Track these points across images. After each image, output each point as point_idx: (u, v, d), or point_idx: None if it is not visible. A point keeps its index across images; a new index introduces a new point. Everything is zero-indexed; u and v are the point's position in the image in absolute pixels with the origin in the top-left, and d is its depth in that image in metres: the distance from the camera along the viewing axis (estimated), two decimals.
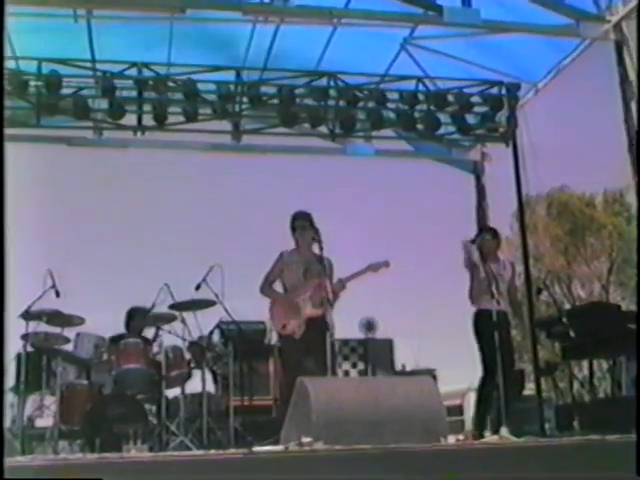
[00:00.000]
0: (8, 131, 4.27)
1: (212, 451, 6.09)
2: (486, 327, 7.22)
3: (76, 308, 7.96)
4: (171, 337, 7.97)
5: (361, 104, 9.35)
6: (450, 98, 9.33)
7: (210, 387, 8.38)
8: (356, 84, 9.32)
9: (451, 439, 6.19)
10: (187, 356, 7.92)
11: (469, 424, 8.86)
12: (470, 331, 7.74)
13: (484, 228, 9.08)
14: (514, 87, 9.41)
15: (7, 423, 7.27)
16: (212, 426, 7.64)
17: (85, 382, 7.69)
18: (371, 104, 9.32)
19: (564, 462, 4.12)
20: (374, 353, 10.28)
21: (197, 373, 7.99)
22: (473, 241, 7.88)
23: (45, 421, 7.67)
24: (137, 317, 8.27)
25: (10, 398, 7.53)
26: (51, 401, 7.61)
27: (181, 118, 8.79)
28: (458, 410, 10.75)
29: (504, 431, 6.53)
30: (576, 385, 9.22)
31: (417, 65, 9.85)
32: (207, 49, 9.41)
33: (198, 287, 7.80)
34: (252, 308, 8.35)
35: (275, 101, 9.09)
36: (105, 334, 8.04)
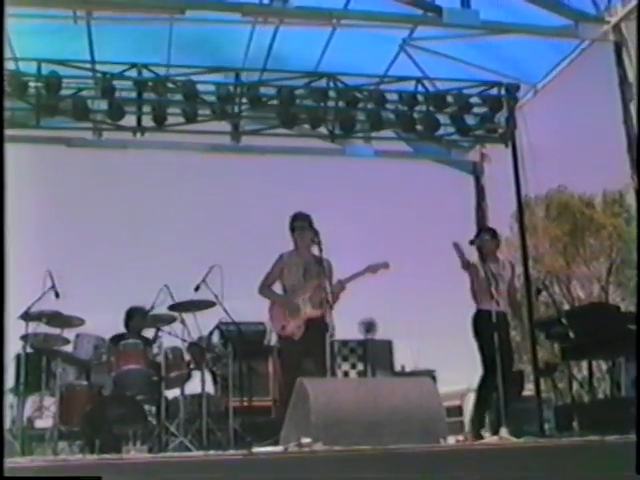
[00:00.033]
0: (8, 132, 4.26)
1: (212, 452, 6.11)
2: (485, 328, 7.23)
3: (76, 309, 7.97)
4: (171, 338, 7.98)
5: (360, 105, 9.34)
6: (449, 99, 9.34)
7: (210, 388, 8.40)
8: (355, 85, 9.32)
9: (450, 440, 6.19)
10: (187, 357, 7.92)
11: (469, 425, 8.85)
12: (469, 332, 7.75)
13: (483, 229, 9.08)
14: (513, 88, 9.41)
15: (7, 424, 7.26)
16: (212, 427, 7.63)
17: (85, 383, 7.69)
18: (370, 105, 9.32)
19: (563, 463, 4.12)
20: (373, 354, 10.28)
21: (197, 374, 7.99)
22: (472, 242, 7.89)
23: (45, 422, 7.68)
24: (136, 317, 8.27)
25: (10, 399, 7.53)
26: (51, 402, 7.61)
27: (180, 119, 8.80)
28: (457, 411, 10.72)
29: (504, 432, 6.54)
30: (575, 386, 9.22)
31: (416, 66, 9.86)
32: (206, 50, 9.43)
33: (197, 288, 7.80)
34: (252, 309, 8.36)
35: (274, 102, 9.09)
36: (105, 335, 8.03)
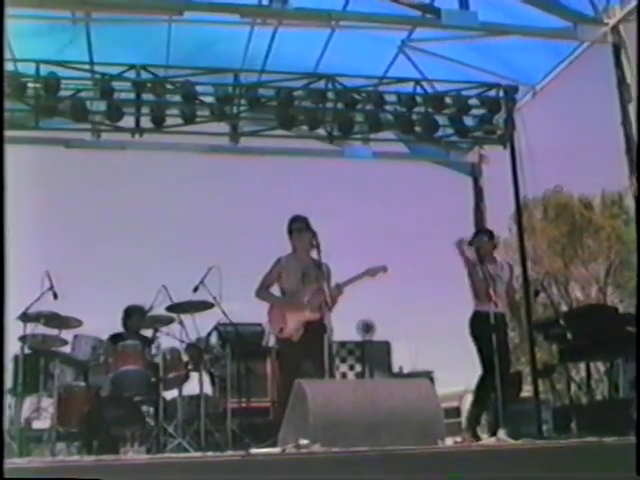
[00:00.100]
0: (6, 133, 4.26)
1: (210, 453, 6.11)
2: (483, 329, 7.24)
3: (74, 310, 7.97)
4: (169, 339, 7.98)
5: (359, 106, 9.33)
6: (448, 100, 9.33)
7: (208, 389, 8.39)
8: (354, 86, 9.31)
9: (448, 441, 6.19)
10: (185, 358, 7.92)
11: (465, 424, 8.85)
12: (467, 333, 7.76)
13: (481, 230, 9.10)
14: (512, 90, 9.40)
15: (5, 425, 7.26)
16: (210, 428, 7.63)
17: (82, 384, 7.69)
18: (369, 106, 9.31)
19: (561, 464, 4.12)
20: (371, 355, 10.28)
21: (195, 375, 7.99)
22: (470, 243, 7.91)
23: (42, 423, 7.68)
24: (135, 316, 8.27)
25: (7, 400, 7.52)
26: (48, 403, 7.62)
27: (179, 120, 8.79)
28: (455, 412, 10.73)
29: (502, 433, 6.55)
30: (573, 387, 9.19)
31: (415, 67, 9.87)
32: (205, 51, 9.43)
33: (196, 289, 7.81)
34: (250, 310, 8.36)
35: (273, 103, 9.08)
36: (103, 336, 8.05)
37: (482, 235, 8.15)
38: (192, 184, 26.59)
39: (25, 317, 7.48)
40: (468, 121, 9.52)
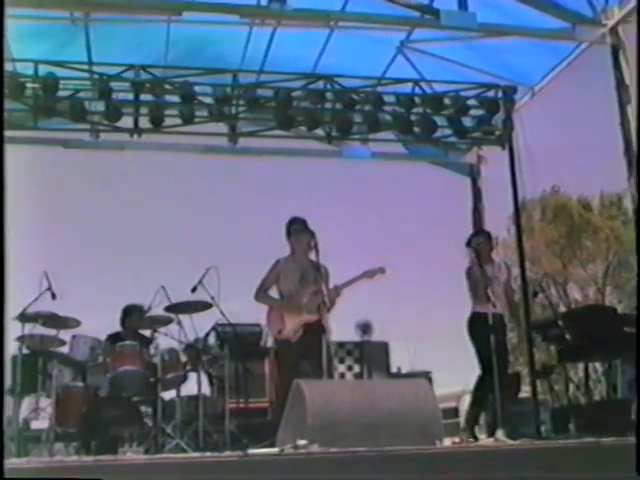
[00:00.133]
0: (5, 133, 4.27)
1: (208, 454, 6.10)
2: (482, 330, 7.24)
3: (72, 310, 7.97)
4: (167, 339, 7.98)
5: (358, 107, 9.32)
6: (446, 101, 9.33)
7: (206, 389, 8.39)
8: (353, 87, 9.30)
9: (447, 442, 6.19)
10: (183, 358, 7.92)
11: (463, 424, 8.85)
12: (465, 333, 7.77)
13: (478, 231, 9.11)
14: (510, 90, 9.40)
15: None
16: (208, 429, 7.63)
17: (81, 384, 7.69)
18: (368, 107, 9.30)
19: (560, 464, 4.13)
20: (370, 356, 10.27)
21: (193, 375, 7.99)
22: (468, 244, 7.92)
23: (40, 423, 7.67)
24: (133, 315, 8.29)
25: (5, 400, 7.51)
26: (47, 403, 7.61)
27: (178, 120, 8.78)
28: (453, 412, 10.72)
29: (500, 433, 6.56)
30: (572, 388, 9.20)
31: (414, 68, 9.86)
32: (203, 52, 9.43)
33: (194, 289, 7.81)
34: (248, 310, 8.36)
35: (272, 104, 9.07)
36: (101, 336, 8.05)
37: (480, 236, 8.17)
38: (191, 184, 26.64)
39: (23, 317, 7.47)
40: (467, 122, 9.52)
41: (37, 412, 7.75)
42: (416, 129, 9.37)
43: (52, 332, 7.84)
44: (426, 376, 9.75)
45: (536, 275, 22.86)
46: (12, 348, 7.52)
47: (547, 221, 26.84)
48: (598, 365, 13.68)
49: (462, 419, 9.76)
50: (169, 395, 7.98)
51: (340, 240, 18.19)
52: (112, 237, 26.62)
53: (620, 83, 8.24)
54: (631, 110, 8.06)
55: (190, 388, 8.02)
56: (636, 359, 6.51)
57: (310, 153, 11.15)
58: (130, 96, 8.77)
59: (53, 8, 8.11)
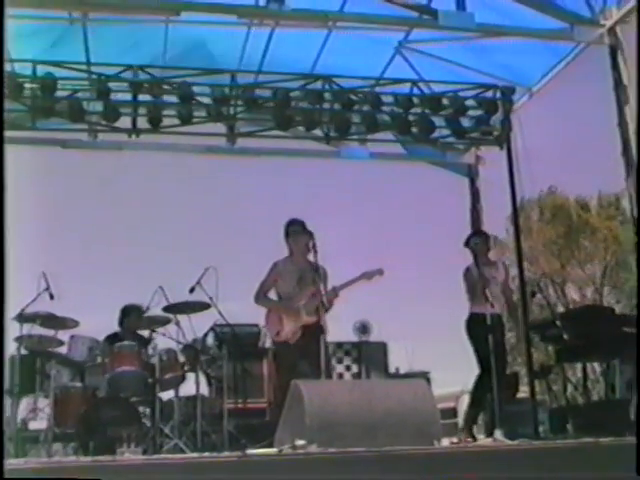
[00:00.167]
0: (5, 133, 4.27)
1: (206, 454, 6.10)
2: (480, 331, 7.24)
3: (70, 310, 7.97)
4: (165, 340, 7.98)
5: (356, 107, 9.32)
6: (445, 101, 9.33)
7: (204, 390, 8.38)
8: (351, 87, 9.30)
9: (445, 442, 6.20)
10: (181, 359, 7.92)
11: (462, 424, 8.86)
12: (464, 333, 7.77)
13: (476, 232, 9.12)
14: (508, 91, 9.41)
15: None
16: (206, 429, 7.63)
17: (79, 385, 7.68)
18: (366, 107, 9.30)
19: (558, 464, 4.13)
20: (368, 356, 10.27)
21: (191, 376, 7.99)
22: (466, 244, 7.93)
23: (39, 424, 7.66)
24: (132, 315, 8.28)
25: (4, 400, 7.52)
26: (45, 404, 7.60)
27: (176, 121, 8.78)
28: (452, 413, 10.72)
29: (498, 434, 6.56)
30: (570, 388, 9.24)
31: (412, 68, 9.87)
32: (202, 52, 9.43)
33: (192, 290, 7.81)
34: (246, 311, 8.35)
35: (270, 104, 9.07)
36: (99, 337, 8.05)
37: (477, 237, 8.18)
38: (189, 184, 26.64)
39: (21, 318, 7.47)
40: (465, 122, 9.53)
41: (35, 412, 7.75)
42: (414, 129, 9.37)
43: (50, 332, 7.84)
44: (424, 376, 9.76)
45: (534, 275, 22.91)
46: (10, 348, 7.53)
47: (545, 221, 26.85)
48: (596, 365, 13.68)
49: (460, 419, 9.77)
50: (167, 395, 7.99)
51: (338, 240, 18.21)
52: (110, 237, 26.62)
53: (618, 83, 8.24)
54: (629, 110, 8.07)
55: (188, 388, 8.02)
56: (636, 359, 6.52)
57: (308, 153, 11.15)
58: (128, 96, 8.76)
59: (51, 8, 8.11)
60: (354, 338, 10.53)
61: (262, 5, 8.02)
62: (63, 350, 7.87)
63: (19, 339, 7.54)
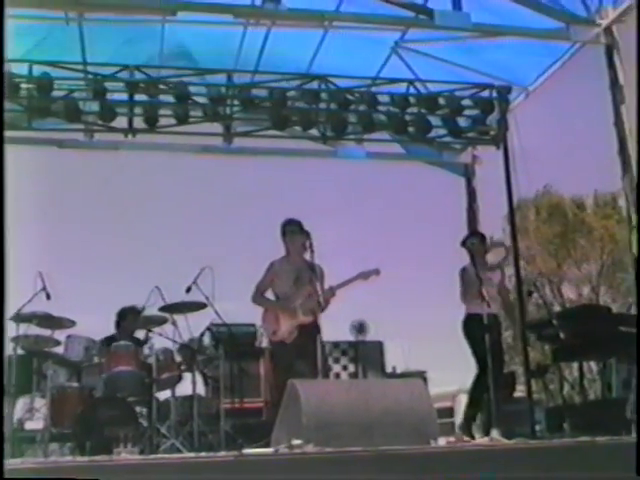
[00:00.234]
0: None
1: (203, 454, 6.09)
2: (477, 330, 7.25)
3: (67, 310, 7.96)
4: (162, 340, 7.97)
5: (352, 107, 9.32)
6: (441, 101, 9.33)
7: (201, 390, 8.37)
8: (347, 87, 9.31)
9: (441, 441, 6.19)
10: (178, 359, 7.91)
11: (461, 424, 8.87)
12: (460, 333, 7.78)
13: (472, 232, 9.13)
14: (505, 90, 9.41)
15: None
16: (203, 429, 7.62)
17: (76, 385, 7.68)
18: (362, 107, 9.30)
19: (554, 464, 4.13)
20: (365, 355, 10.27)
21: (188, 376, 7.97)
22: (462, 244, 7.94)
23: (35, 424, 7.65)
24: (128, 317, 8.28)
25: None
26: (41, 404, 7.58)
27: (172, 120, 8.77)
28: (448, 412, 10.74)
29: (495, 433, 6.56)
30: (566, 387, 9.24)
31: (408, 68, 9.87)
32: (198, 52, 9.43)
33: (189, 289, 7.80)
34: (243, 310, 8.37)
35: (266, 104, 9.07)
36: (96, 336, 8.03)
37: (473, 237, 8.20)
38: (185, 184, 26.61)
39: (18, 318, 7.46)
40: (461, 122, 9.53)
41: (32, 413, 7.73)
42: (411, 129, 9.37)
43: (47, 332, 7.82)
44: (421, 375, 9.77)
45: (531, 275, 22.90)
46: (7, 349, 7.50)
47: (541, 221, 26.83)
48: (593, 364, 13.72)
49: (457, 418, 9.78)
50: (164, 395, 7.96)
51: (335, 240, 18.21)
52: (107, 237, 26.60)
53: (614, 83, 8.26)
54: (625, 110, 8.08)
55: (185, 388, 8.01)
56: (636, 360, 6.52)
57: (305, 153, 11.16)
58: (124, 96, 8.75)
59: (48, 8, 8.10)
60: (351, 338, 10.53)
61: (258, 5, 8.03)
62: (60, 350, 7.86)
63: (16, 339, 7.53)
